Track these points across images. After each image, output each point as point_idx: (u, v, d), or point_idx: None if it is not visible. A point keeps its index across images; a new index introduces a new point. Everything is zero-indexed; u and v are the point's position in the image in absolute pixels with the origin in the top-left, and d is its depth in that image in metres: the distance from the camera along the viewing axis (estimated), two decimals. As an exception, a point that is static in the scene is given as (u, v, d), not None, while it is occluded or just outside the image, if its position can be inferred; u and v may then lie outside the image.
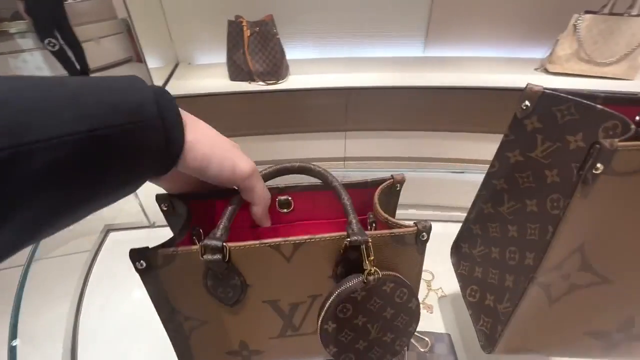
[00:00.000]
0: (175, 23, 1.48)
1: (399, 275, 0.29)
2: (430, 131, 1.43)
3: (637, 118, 0.27)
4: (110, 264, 0.63)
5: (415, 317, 0.31)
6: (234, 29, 1.25)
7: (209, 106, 1.28)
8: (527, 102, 0.29)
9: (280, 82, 1.29)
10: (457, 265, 0.43)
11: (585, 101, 0.26)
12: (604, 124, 0.25)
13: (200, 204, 0.33)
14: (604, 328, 0.30)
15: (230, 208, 0.29)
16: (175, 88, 1.30)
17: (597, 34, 1.23)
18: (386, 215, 0.30)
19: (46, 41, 1.24)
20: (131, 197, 0.70)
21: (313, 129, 1.43)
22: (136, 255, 0.27)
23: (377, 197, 0.32)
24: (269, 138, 1.44)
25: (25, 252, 0.62)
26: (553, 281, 0.28)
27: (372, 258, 0.27)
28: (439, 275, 0.57)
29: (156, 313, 0.31)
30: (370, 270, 0.27)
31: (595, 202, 0.23)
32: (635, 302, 0.28)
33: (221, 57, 1.44)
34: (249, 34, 1.23)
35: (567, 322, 0.30)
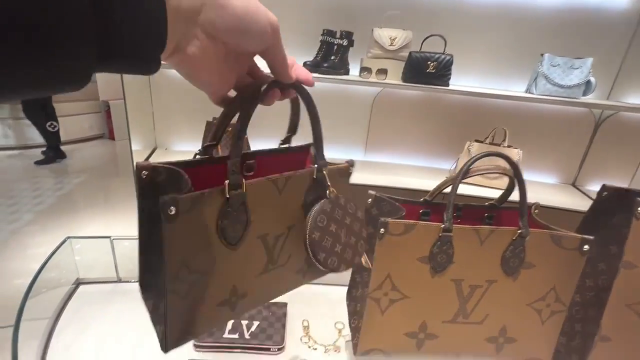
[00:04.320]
0: (160, 115, 1.77)
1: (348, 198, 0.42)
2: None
3: (420, 211, 0.54)
4: (77, 311, 0.74)
5: (363, 223, 0.43)
6: (210, 128, 1.55)
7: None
8: (369, 200, 0.55)
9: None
10: (348, 306, 0.63)
11: (392, 200, 0.52)
12: (399, 213, 0.51)
13: (189, 170, 0.34)
14: (412, 330, 0.51)
15: (236, 144, 0.34)
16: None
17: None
18: (330, 163, 0.43)
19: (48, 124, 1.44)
20: (107, 251, 0.84)
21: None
22: (168, 201, 0.29)
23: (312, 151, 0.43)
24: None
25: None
26: (380, 297, 0.49)
27: (329, 183, 0.40)
28: (347, 325, 0.75)
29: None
30: (330, 190, 0.40)
31: (386, 250, 0.47)
32: (424, 310, 0.50)
33: (195, 146, 1.71)
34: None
35: (392, 327, 0.51)
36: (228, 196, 0.32)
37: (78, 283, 0.82)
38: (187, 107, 1.76)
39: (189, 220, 0.31)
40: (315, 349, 0.69)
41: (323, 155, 0.40)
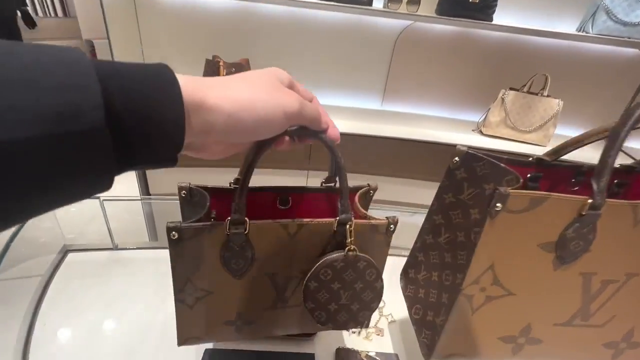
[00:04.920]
0: (151, 53, 1.53)
1: (370, 258, 0.37)
2: (384, 176, 1.58)
3: (528, 175, 0.39)
4: (66, 286, 0.61)
5: (378, 296, 0.39)
6: (211, 68, 1.33)
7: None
8: (456, 158, 0.39)
9: (250, 119, 1.37)
10: (404, 289, 0.50)
11: (494, 160, 0.37)
12: (506, 177, 0.35)
13: (219, 196, 0.39)
14: (511, 333, 0.38)
15: (242, 188, 0.34)
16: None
17: (519, 107, 1.50)
18: (365, 211, 0.40)
19: None
20: (97, 215, 0.70)
21: (277, 165, 1.51)
22: (172, 228, 0.33)
23: (357, 198, 0.41)
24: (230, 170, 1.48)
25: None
26: (474, 293, 0.36)
27: (352, 239, 0.35)
28: (389, 303, 0.64)
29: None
30: (350, 247, 0.35)
31: (497, 232, 0.33)
32: (532, 310, 0.37)
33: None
34: (224, 74, 1.32)
35: (484, 330, 0.38)
36: (228, 233, 0.34)
37: (65, 251, 0.69)
38: (182, 44, 1.51)
39: (192, 246, 0.35)
40: (354, 331, 0.58)
41: (348, 208, 0.36)
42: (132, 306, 0.58)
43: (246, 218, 0.34)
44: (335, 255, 0.36)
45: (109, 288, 0.61)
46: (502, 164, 0.36)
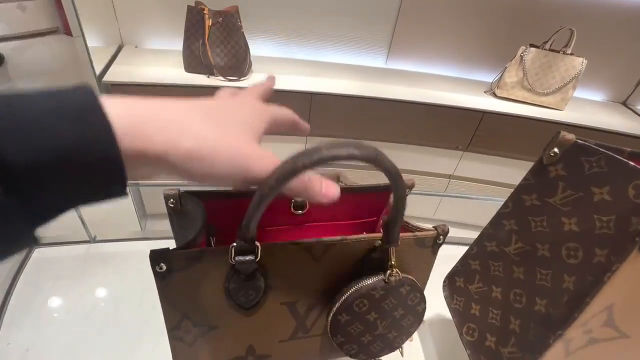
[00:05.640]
0: (122, -1, 1.30)
1: (414, 280, 0.30)
2: (387, 142, 1.46)
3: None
4: (35, 292, 0.51)
5: (419, 319, 0.34)
6: (194, 16, 1.13)
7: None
8: (556, 149, 0.28)
9: (242, 79, 1.21)
10: (450, 299, 0.42)
11: (616, 156, 0.26)
12: (635, 180, 0.25)
13: (217, 202, 0.31)
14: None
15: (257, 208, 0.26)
16: (120, 75, 1.14)
17: (539, 66, 1.36)
18: (412, 223, 0.32)
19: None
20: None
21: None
22: (157, 257, 0.25)
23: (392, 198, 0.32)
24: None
25: None
26: (576, 336, 0.27)
27: (394, 261, 0.28)
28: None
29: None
30: (392, 271, 0.29)
31: (636, 267, 0.23)
32: None
33: (174, 44, 1.30)
34: (210, 24, 1.13)
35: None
36: (233, 263, 0.25)
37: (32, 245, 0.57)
38: (156, -14, 1.29)
39: (186, 278, 0.27)
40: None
41: (397, 237, 0.28)
42: (116, 315, 0.49)
43: (257, 243, 0.25)
44: (372, 282, 0.29)
45: (87, 290, 0.51)
46: (630, 162, 0.26)
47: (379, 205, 0.38)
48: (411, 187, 0.35)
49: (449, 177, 1.50)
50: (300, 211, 0.36)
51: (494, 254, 0.36)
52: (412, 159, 1.48)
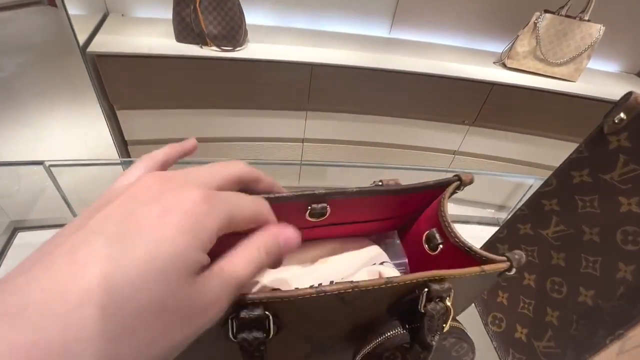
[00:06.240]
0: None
1: (464, 329, 0.23)
2: (391, 117, 1.40)
3: None
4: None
5: None
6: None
7: (148, 71, 1.07)
8: (622, 115, 0.23)
9: (237, 49, 1.13)
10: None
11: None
12: None
13: None
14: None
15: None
16: (105, 45, 1.06)
17: (554, 34, 1.28)
18: (470, 244, 0.23)
19: None
20: (49, 184, 0.53)
21: (271, 105, 1.30)
22: None
23: (445, 207, 0.25)
24: (219, 112, 1.28)
25: None
26: (635, 334, 0.23)
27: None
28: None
29: None
30: (446, 326, 0.22)
31: None
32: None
33: (163, 12, 1.21)
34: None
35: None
36: (235, 340, 0.19)
37: (13, 229, 0.53)
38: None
39: None
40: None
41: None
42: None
43: (267, 313, 0.19)
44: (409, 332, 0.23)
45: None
46: None
47: (421, 209, 0.31)
48: (470, 182, 0.27)
49: (454, 152, 1.45)
50: (320, 218, 0.29)
51: (527, 238, 0.32)
52: (415, 134, 1.42)
